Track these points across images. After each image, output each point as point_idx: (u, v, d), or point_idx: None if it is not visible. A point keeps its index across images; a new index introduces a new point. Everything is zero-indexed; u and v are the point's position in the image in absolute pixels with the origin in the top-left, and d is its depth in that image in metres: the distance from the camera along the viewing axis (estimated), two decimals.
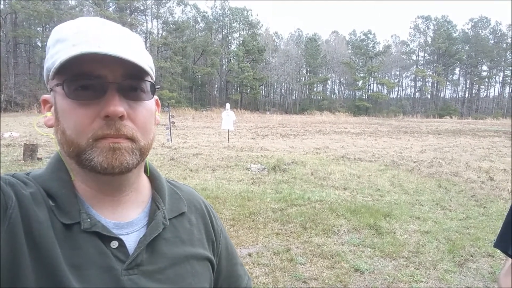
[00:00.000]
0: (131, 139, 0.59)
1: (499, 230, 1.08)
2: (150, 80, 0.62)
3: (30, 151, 8.23)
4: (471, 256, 3.96)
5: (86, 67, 0.55)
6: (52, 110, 0.61)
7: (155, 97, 0.66)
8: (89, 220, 0.58)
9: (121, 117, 0.56)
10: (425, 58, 63.35)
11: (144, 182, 0.70)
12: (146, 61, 0.60)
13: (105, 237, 0.59)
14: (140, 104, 0.60)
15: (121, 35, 0.59)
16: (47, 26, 39.83)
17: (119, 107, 0.55)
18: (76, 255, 0.55)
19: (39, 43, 39.95)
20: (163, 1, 48.48)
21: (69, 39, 0.56)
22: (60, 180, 0.61)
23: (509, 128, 25.98)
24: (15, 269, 0.50)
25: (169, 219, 0.68)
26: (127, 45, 0.58)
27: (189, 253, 0.68)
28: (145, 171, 0.72)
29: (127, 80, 0.58)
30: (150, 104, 0.63)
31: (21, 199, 0.54)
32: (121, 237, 0.60)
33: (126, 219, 0.64)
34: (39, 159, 8.39)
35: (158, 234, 0.64)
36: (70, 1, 40.74)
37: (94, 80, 0.55)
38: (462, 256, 3.94)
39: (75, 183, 0.62)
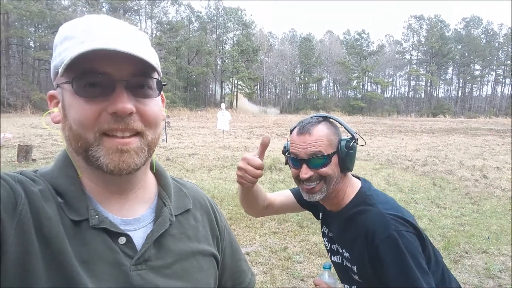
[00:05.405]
0: (140, 134, 0.59)
1: None
2: (157, 77, 0.62)
3: (24, 152, 8.16)
4: (466, 252, 4.01)
5: (94, 64, 0.55)
6: (59, 106, 0.61)
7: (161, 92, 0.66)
8: (97, 216, 0.59)
9: (130, 113, 0.57)
10: (419, 57, 63.75)
11: (150, 179, 0.71)
12: (153, 57, 0.60)
13: (113, 233, 0.59)
14: (148, 99, 0.61)
15: (128, 32, 0.60)
16: (40, 26, 39.45)
17: (127, 104, 0.56)
18: (85, 250, 0.56)
19: (31, 44, 39.55)
20: (157, 1, 48.29)
21: (77, 37, 0.56)
22: (68, 177, 0.61)
23: (502, 126, 26.25)
24: (26, 264, 0.51)
25: (175, 215, 0.69)
26: (135, 41, 0.59)
27: (195, 249, 0.69)
28: (151, 168, 0.72)
29: (135, 77, 0.58)
30: (157, 99, 0.64)
31: (30, 196, 0.55)
32: (129, 233, 0.61)
33: (133, 215, 0.64)
34: (34, 160, 8.32)
35: (165, 230, 0.65)
36: (63, 1, 40.41)
37: (102, 77, 0.56)
38: (457, 253, 3.99)
39: (83, 180, 0.62)
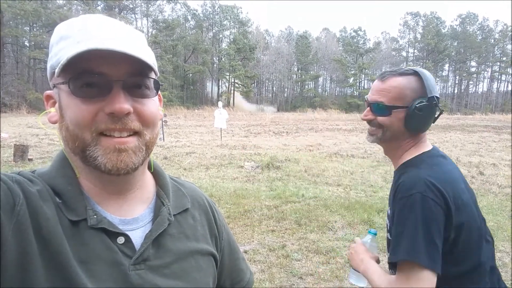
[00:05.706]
0: (138, 133, 0.59)
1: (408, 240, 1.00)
2: (154, 76, 0.62)
3: (20, 152, 8.12)
4: None
5: (91, 64, 0.55)
6: (56, 107, 0.61)
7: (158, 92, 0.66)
8: (95, 216, 0.59)
9: (127, 114, 0.57)
10: (415, 54, 63.91)
11: (148, 179, 0.70)
12: (149, 57, 0.60)
13: (112, 233, 0.59)
14: (145, 99, 0.60)
15: (124, 32, 0.59)
16: (35, 25, 39.17)
17: (124, 104, 0.56)
18: (84, 250, 0.56)
19: (26, 43, 39.29)
20: None
21: (73, 36, 0.56)
22: (65, 177, 0.61)
23: (498, 123, 26.37)
24: (25, 264, 0.50)
25: (174, 215, 0.69)
26: (131, 41, 0.59)
27: (193, 249, 0.69)
28: (149, 168, 0.72)
29: (132, 77, 0.58)
30: (154, 98, 0.63)
31: (28, 197, 0.54)
32: (127, 233, 0.61)
33: (132, 215, 0.64)
34: (30, 159, 8.28)
35: (164, 230, 0.65)
36: (57, 0, 40.07)
37: (99, 77, 0.56)
38: None
39: (81, 180, 0.62)
